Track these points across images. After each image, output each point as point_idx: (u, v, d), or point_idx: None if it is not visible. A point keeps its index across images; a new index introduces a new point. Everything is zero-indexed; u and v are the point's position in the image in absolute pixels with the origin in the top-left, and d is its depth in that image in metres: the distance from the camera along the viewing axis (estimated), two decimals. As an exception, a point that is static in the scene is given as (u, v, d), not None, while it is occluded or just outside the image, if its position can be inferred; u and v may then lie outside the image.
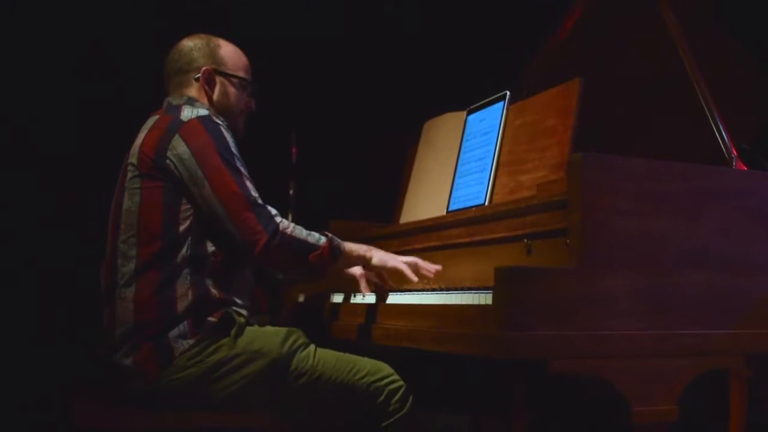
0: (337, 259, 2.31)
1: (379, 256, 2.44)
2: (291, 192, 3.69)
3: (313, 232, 2.28)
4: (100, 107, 3.82)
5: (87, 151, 3.78)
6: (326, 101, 4.24)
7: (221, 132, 2.26)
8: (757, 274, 2.12)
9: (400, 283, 2.47)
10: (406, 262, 2.43)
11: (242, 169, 2.25)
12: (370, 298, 2.53)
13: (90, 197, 3.58)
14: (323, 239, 2.29)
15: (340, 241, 2.34)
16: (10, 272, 3.67)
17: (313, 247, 2.26)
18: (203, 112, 2.32)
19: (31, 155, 3.75)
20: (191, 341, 2.17)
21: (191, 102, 2.39)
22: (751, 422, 2.42)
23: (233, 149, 2.26)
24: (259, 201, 2.22)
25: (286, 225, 2.23)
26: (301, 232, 2.25)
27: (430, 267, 2.44)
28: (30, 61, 3.78)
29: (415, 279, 2.40)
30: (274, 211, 2.24)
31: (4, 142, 3.70)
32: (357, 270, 2.51)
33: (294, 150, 3.75)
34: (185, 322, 2.18)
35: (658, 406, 1.94)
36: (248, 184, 2.23)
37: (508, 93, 2.63)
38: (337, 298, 2.76)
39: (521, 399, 2.95)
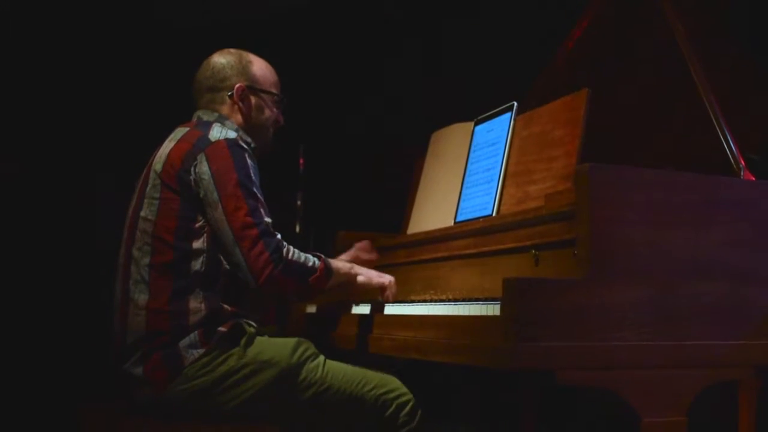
0: (330, 278, 2.33)
1: (364, 274, 2.47)
2: (299, 203, 3.70)
3: (307, 255, 2.28)
4: (115, 113, 3.85)
5: (100, 157, 3.80)
6: (334, 113, 4.26)
7: (245, 158, 2.27)
8: (766, 284, 2.11)
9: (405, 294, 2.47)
10: (390, 281, 2.48)
11: (259, 197, 2.24)
12: (377, 309, 2.53)
13: (103, 203, 3.59)
14: (318, 261, 2.30)
15: (328, 259, 2.35)
16: (20, 279, 3.68)
17: (312, 269, 2.27)
18: (232, 134, 2.33)
19: (43, 160, 3.78)
20: (201, 351, 2.18)
21: (222, 120, 2.41)
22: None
23: (253, 177, 2.26)
24: (270, 229, 2.22)
25: (288, 251, 2.22)
26: (299, 256, 2.25)
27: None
28: (35, 64, 3.81)
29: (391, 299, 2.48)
30: (281, 239, 2.23)
31: (16, 147, 3.73)
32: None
33: (301, 161, 3.76)
34: (196, 332, 2.19)
35: (667, 417, 1.93)
36: (262, 211, 2.22)
37: (516, 104, 2.63)
38: (347, 309, 2.76)
39: (530, 410, 2.94)
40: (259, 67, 2.52)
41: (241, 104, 2.45)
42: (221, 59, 2.48)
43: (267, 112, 2.52)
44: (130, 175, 2.47)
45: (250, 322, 2.28)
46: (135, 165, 2.46)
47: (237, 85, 2.45)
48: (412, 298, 2.71)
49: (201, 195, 2.23)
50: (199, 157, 2.24)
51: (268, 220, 2.23)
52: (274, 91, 2.54)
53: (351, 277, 2.45)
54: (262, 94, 2.50)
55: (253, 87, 2.48)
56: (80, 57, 3.85)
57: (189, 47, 2.59)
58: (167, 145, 2.34)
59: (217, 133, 2.31)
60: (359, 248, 2.79)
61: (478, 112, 2.81)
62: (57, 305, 3.71)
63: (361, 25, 4.33)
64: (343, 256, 2.73)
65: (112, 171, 3.07)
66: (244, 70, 2.47)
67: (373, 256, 2.78)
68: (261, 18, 4.12)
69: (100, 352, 2.40)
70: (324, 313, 2.90)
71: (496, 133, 2.67)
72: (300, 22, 4.22)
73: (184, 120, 2.46)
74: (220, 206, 2.20)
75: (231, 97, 2.45)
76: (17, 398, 3.55)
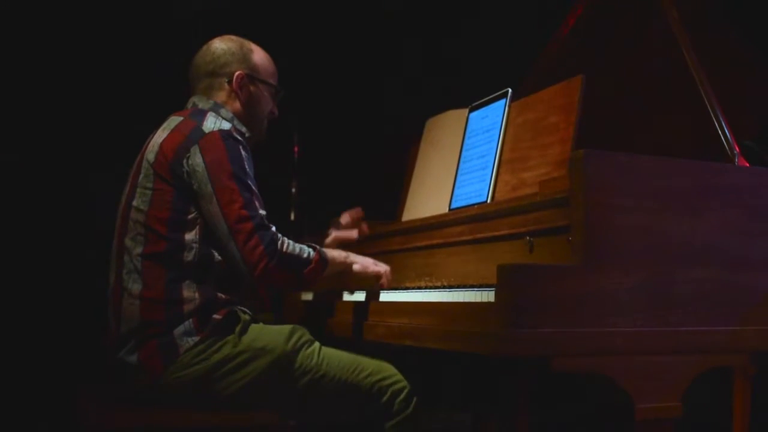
0: (325, 269, 2.32)
1: (360, 262, 2.46)
2: (293, 191, 3.70)
3: (302, 246, 2.27)
4: (106, 102, 3.83)
5: (92, 146, 3.79)
6: (328, 100, 4.25)
7: (239, 150, 2.25)
8: (761, 270, 2.11)
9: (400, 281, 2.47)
10: (386, 270, 2.48)
11: (254, 189, 2.23)
12: (372, 296, 2.53)
13: (96, 192, 3.58)
14: (312, 252, 2.29)
15: (323, 249, 2.34)
16: (14, 268, 3.68)
17: (307, 261, 2.26)
18: (226, 125, 2.31)
19: (35, 150, 3.77)
20: (196, 338, 2.18)
21: (217, 108, 2.39)
22: (755, 419, 2.42)
23: (248, 169, 2.24)
24: (265, 222, 2.21)
25: (282, 243, 2.22)
26: (294, 248, 2.24)
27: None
28: (33, 60, 3.79)
29: (386, 286, 2.47)
30: (275, 232, 2.23)
31: (9, 138, 3.71)
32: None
33: (296, 149, 3.75)
34: (190, 320, 2.19)
35: (662, 403, 1.94)
36: (256, 204, 2.21)
37: (510, 90, 2.62)
38: (343, 296, 2.76)
39: (524, 396, 2.94)
40: (260, 56, 2.49)
41: (239, 92, 2.43)
42: (222, 45, 2.45)
43: (263, 103, 2.50)
44: (126, 162, 2.45)
45: (245, 309, 2.27)
46: (132, 153, 2.44)
47: (237, 73, 2.42)
48: (407, 285, 2.71)
49: (195, 187, 2.21)
50: (192, 149, 2.22)
51: (262, 212, 2.21)
52: (272, 82, 2.51)
53: (347, 267, 2.44)
54: (261, 84, 2.48)
55: (252, 76, 2.45)
56: (77, 52, 3.83)
57: (188, 40, 2.56)
58: (160, 135, 2.32)
59: (211, 123, 2.29)
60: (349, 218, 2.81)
61: (473, 98, 2.80)
62: (53, 293, 3.71)
63: (356, 12, 4.31)
64: (329, 241, 2.73)
65: (109, 160, 3.06)
66: (245, 57, 2.45)
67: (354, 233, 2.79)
68: (258, 2, 4.10)
69: (97, 340, 2.40)
70: (320, 301, 2.90)
71: (490, 119, 2.66)
72: (295, 8, 4.21)
73: (179, 108, 2.44)
74: (214, 199, 2.19)
75: (229, 83, 2.42)
76: (15, 387, 3.55)
